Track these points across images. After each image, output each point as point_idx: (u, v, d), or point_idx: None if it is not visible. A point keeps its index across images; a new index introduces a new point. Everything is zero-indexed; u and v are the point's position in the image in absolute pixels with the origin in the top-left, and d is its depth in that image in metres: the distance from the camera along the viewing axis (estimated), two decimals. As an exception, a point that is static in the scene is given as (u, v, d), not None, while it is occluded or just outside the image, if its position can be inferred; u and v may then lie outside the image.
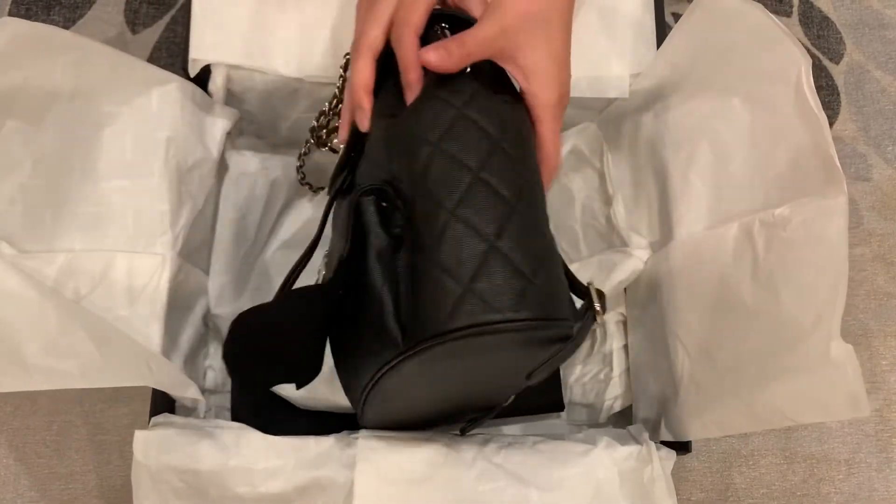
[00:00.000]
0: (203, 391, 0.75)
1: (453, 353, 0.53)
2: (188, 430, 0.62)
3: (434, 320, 0.52)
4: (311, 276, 0.77)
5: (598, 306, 0.56)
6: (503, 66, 0.59)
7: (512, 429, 0.81)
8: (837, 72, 1.08)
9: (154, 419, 0.64)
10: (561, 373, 0.81)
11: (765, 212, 0.62)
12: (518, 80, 0.60)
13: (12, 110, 0.63)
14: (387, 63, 0.60)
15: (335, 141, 0.66)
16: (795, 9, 1.10)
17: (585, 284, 0.58)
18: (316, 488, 0.62)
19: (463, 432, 0.71)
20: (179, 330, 0.70)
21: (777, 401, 0.59)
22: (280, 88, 0.75)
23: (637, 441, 0.66)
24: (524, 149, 0.58)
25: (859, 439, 0.95)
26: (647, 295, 0.76)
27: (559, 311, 0.55)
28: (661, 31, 0.76)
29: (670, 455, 0.67)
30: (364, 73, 0.59)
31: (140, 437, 0.61)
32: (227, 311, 0.75)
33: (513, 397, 0.66)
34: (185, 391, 0.65)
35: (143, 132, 0.66)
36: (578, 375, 0.81)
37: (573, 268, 0.78)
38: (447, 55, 0.56)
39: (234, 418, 0.76)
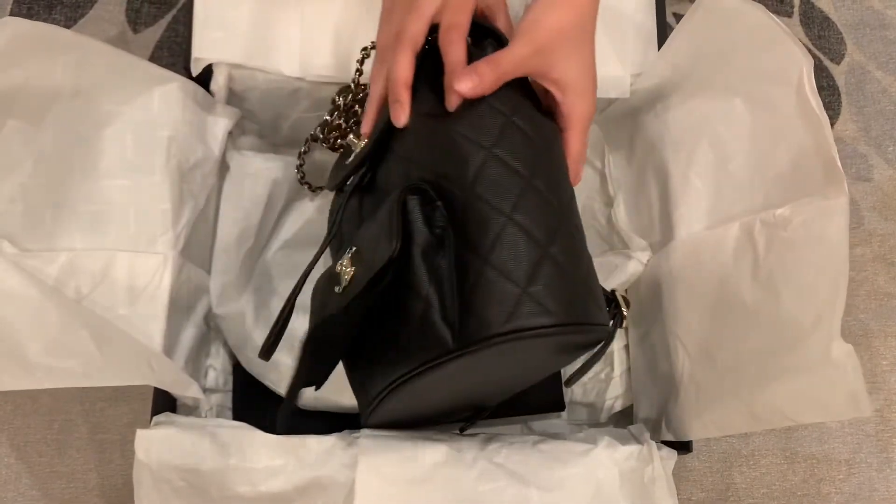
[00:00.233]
0: (204, 390, 0.75)
1: (500, 352, 0.55)
2: (190, 430, 0.62)
3: (491, 321, 0.53)
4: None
5: (625, 311, 0.58)
6: (538, 81, 0.60)
7: (513, 429, 0.81)
8: (838, 72, 1.08)
9: (156, 418, 0.64)
10: (562, 373, 0.80)
11: (766, 212, 0.62)
12: (555, 94, 0.61)
13: (13, 109, 0.63)
14: (422, 60, 0.61)
15: (350, 137, 0.66)
16: (796, 9, 1.10)
17: (610, 290, 0.60)
18: (317, 487, 0.62)
19: (462, 430, 0.71)
20: (181, 329, 0.70)
21: (777, 401, 0.59)
22: (281, 88, 0.76)
23: (638, 441, 0.66)
24: (560, 157, 0.60)
25: (860, 439, 0.95)
26: (648, 294, 0.76)
27: (600, 316, 0.57)
28: (662, 32, 0.76)
29: (671, 455, 0.67)
30: (405, 69, 0.59)
31: (142, 436, 0.61)
32: (228, 310, 0.75)
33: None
34: (187, 390, 0.65)
35: (145, 131, 0.66)
36: (579, 375, 0.81)
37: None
38: (479, 82, 0.57)
39: (236, 417, 0.77)
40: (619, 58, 0.75)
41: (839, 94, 1.07)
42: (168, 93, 0.67)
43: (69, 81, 0.64)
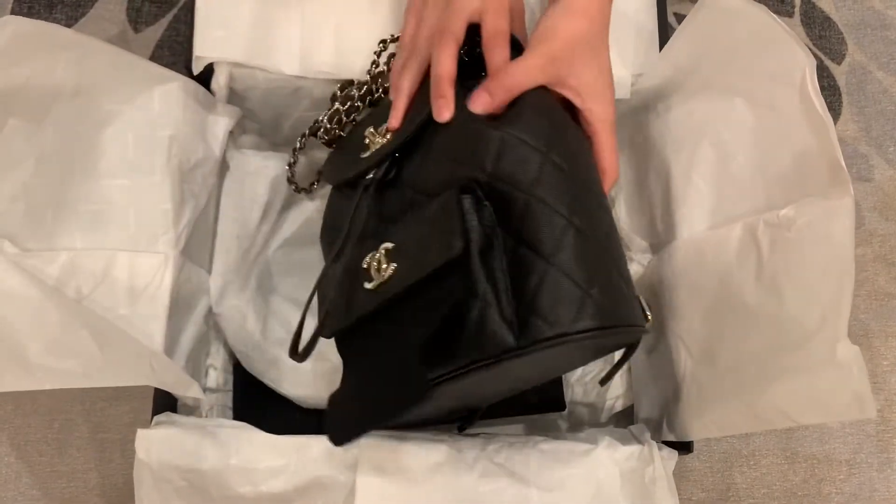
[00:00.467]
0: (204, 390, 0.75)
1: (553, 353, 0.56)
2: (190, 430, 0.62)
3: (560, 321, 0.54)
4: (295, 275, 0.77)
5: (648, 314, 0.59)
6: (557, 90, 0.61)
7: (513, 428, 0.81)
8: (839, 72, 1.08)
9: (156, 418, 0.64)
10: (582, 371, 0.81)
11: (769, 212, 0.62)
12: (574, 101, 0.61)
13: (14, 108, 0.63)
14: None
15: (370, 129, 0.66)
16: (797, 9, 1.10)
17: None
18: (317, 488, 0.62)
19: (461, 430, 0.71)
20: (181, 329, 0.70)
21: (780, 401, 0.59)
22: (282, 87, 0.75)
23: (638, 441, 0.66)
24: (593, 161, 0.62)
25: (860, 439, 0.95)
26: (650, 295, 0.76)
27: (640, 318, 0.59)
28: (664, 32, 0.76)
29: (672, 455, 0.67)
30: (449, 64, 0.60)
31: (142, 435, 0.61)
32: (227, 308, 0.74)
33: None
34: (188, 390, 0.64)
35: (146, 131, 0.66)
36: (580, 375, 0.81)
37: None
38: (490, 100, 0.58)
39: (236, 417, 0.77)
40: (620, 58, 0.74)
41: (840, 95, 1.07)
42: (169, 92, 0.67)
43: (70, 80, 0.64)
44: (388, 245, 0.59)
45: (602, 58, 0.62)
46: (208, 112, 0.71)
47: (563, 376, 0.82)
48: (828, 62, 1.08)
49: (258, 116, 0.80)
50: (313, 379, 0.75)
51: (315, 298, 0.64)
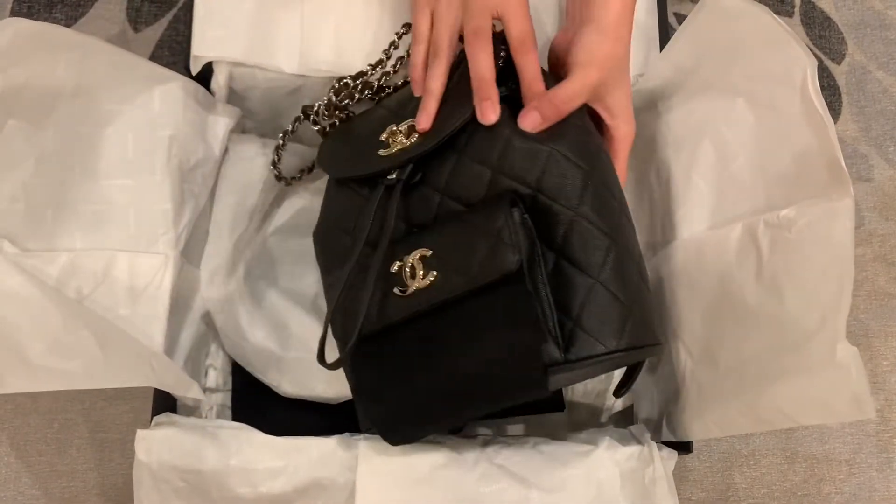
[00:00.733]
0: (204, 390, 0.75)
1: (595, 368, 0.58)
2: (190, 430, 0.62)
3: (607, 338, 0.57)
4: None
5: None
6: (592, 105, 0.64)
7: (513, 429, 0.81)
8: (839, 72, 1.08)
9: (156, 418, 0.64)
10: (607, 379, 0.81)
11: (769, 213, 0.62)
12: (604, 116, 0.64)
13: (15, 108, 0.63)
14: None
15: (392, 127, 0.65)
16: (797, 9, 1.10)
17: None
18: (317, 489, 0.62)
19: (455, 432, 0.71)
20: (180, 329, 0.70)
21: (779, 402, 0.59)
22: (282, 86, 0.75)
23: (639, 441, 0.66)
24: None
25: (860, 440, 0.95)
26: (649, 295, 0.76)
27: (660, 334, 0.62)
28: (664, 32, 0.76)
29: (672, 455, 0.67)
30: (490, 65, 0.61)
31: (142, 436, 0.61)
32: (217, 294, 0.74)
33: None
34: (188, 391, 0.64)
35: (146, 131, 0.66)
36: (580, 375, 0.81)
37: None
38: (541, 121, 0.60)
39: (235, 417, 0.76)
40: (620, 58, 0.75)
41: (840, 95, 1.07)
42: (169, 92, 0.67)
43: (70, 81, 0.64)
44: (425, 252, 0.59)
45: (627, 77, 0.65)
46: (208, 112, 0.71)
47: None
48: (828, 62, 1.08)
49: (258, 116, 0.79)
50: (307, 375, 0.74)
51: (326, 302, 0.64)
